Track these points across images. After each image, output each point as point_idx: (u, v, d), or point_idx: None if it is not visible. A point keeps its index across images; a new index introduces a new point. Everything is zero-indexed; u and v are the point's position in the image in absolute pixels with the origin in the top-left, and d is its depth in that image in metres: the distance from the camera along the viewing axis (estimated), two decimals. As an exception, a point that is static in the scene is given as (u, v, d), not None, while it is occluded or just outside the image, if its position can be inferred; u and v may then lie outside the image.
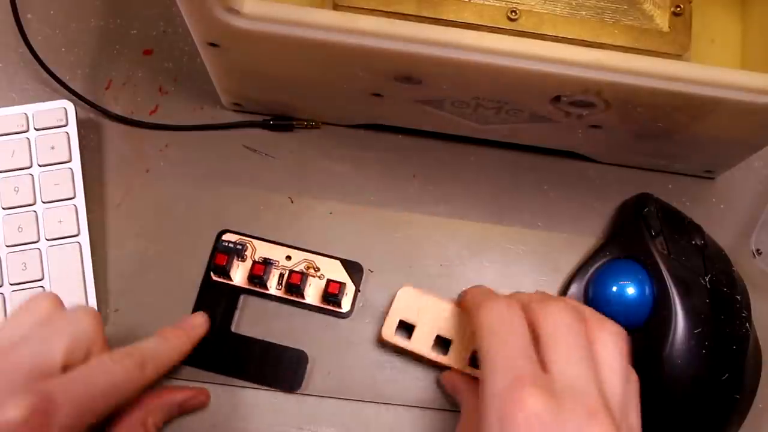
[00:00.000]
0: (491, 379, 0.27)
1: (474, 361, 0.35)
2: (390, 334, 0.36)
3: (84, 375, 0.29)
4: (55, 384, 0.28)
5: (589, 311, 0.30)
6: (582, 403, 0.26)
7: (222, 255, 0.37)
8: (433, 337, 0.35)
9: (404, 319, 0.36)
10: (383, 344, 0.37)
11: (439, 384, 0.37)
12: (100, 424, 0.30)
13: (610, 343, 0.29)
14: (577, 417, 0.26)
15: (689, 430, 0.35)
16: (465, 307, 0.35)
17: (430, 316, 0.36)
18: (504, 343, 0.28)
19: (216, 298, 0.37)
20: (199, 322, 0.36)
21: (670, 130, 0.36)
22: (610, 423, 0.26)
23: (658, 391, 0.35)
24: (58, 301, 0.32)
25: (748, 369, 0.36)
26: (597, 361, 0.28)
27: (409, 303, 0.36)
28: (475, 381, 0.33)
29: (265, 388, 0.37)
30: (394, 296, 0.36)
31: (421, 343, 0.36)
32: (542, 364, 0.28)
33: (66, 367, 0.29)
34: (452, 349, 0.35)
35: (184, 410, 0.35)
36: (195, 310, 0.37)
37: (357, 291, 0.38)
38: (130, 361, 0.30)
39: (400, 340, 0.36)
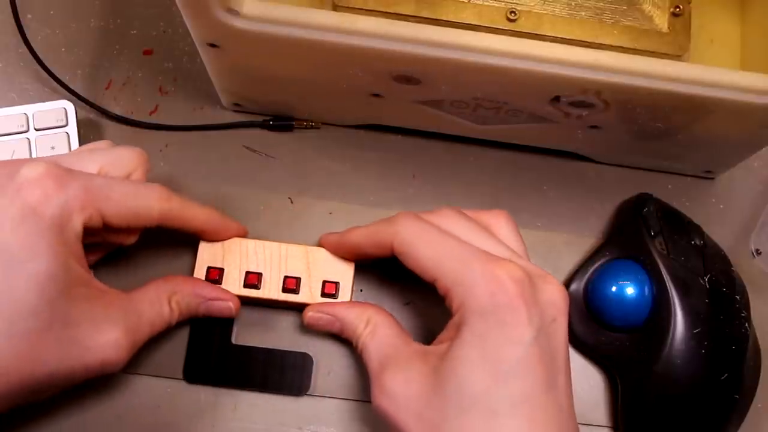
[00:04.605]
0: (461, 272, 0.29)
1: (322, 292, 0.36)
2: None
3: (103, 180, 0.31)
4: (68, 170, 0.30)
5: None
6: (531, 271, 0.30)
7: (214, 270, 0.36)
8: (243, 274, 0.36)
9: (211, 265, 0.36)
10: None
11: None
12: (108, 228, 0.31)
13: (503, 223, 0.33)
14: (529, 278, 0.29)
15: (689, 430, 0.35)
16: (351, 244, 0.35)
17: (235, 256, 0.36)
18: (445, 245, 0.31)
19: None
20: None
21: (670, 130, 0.36)
22: (551, 279, 0.30)
23: (658, 391, 0.35)
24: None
25: (748, 369, 0.36)
26: (504, 241, 0.32)
27: (213, 251, 0.36)
28: (361, 303, 0.35)
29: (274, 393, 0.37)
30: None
31: (232, 283, 0.36)
32: None
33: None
34: (302, 287, 0.36)
35: (210, 312, 0.35)
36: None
37: (353, 290, 0.38)
38: (156, 187, 0.32)
39: None
